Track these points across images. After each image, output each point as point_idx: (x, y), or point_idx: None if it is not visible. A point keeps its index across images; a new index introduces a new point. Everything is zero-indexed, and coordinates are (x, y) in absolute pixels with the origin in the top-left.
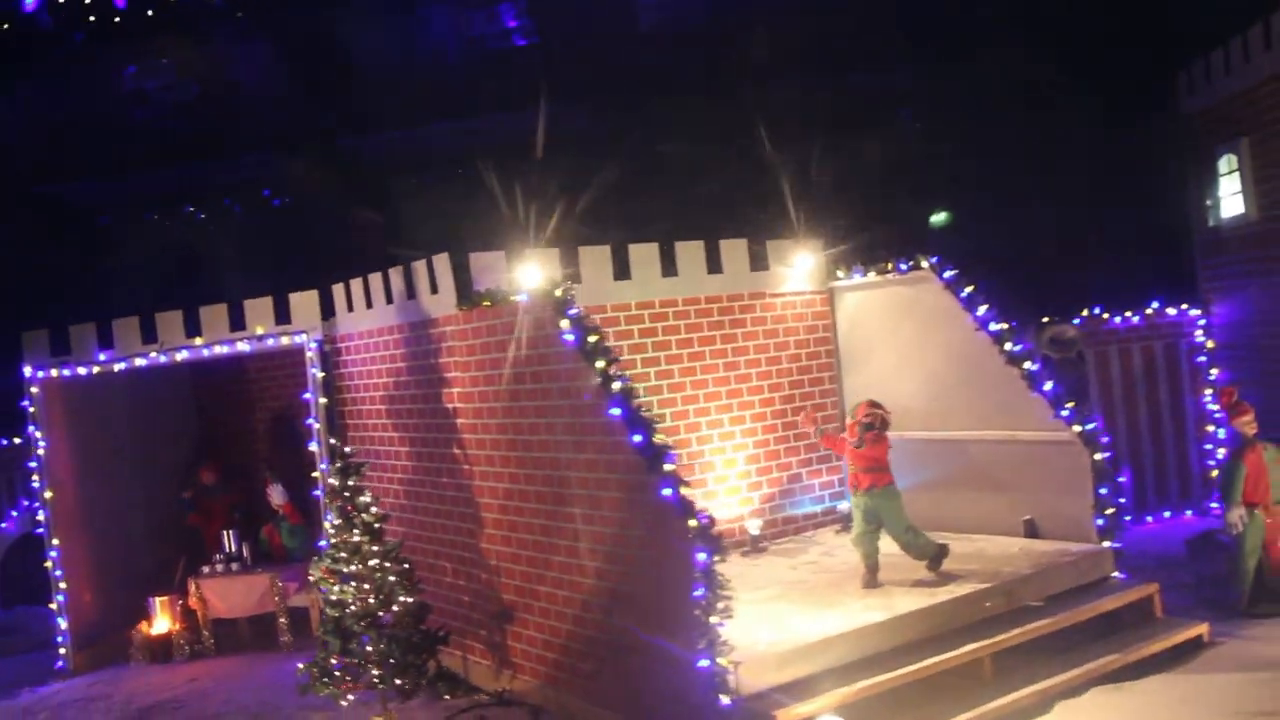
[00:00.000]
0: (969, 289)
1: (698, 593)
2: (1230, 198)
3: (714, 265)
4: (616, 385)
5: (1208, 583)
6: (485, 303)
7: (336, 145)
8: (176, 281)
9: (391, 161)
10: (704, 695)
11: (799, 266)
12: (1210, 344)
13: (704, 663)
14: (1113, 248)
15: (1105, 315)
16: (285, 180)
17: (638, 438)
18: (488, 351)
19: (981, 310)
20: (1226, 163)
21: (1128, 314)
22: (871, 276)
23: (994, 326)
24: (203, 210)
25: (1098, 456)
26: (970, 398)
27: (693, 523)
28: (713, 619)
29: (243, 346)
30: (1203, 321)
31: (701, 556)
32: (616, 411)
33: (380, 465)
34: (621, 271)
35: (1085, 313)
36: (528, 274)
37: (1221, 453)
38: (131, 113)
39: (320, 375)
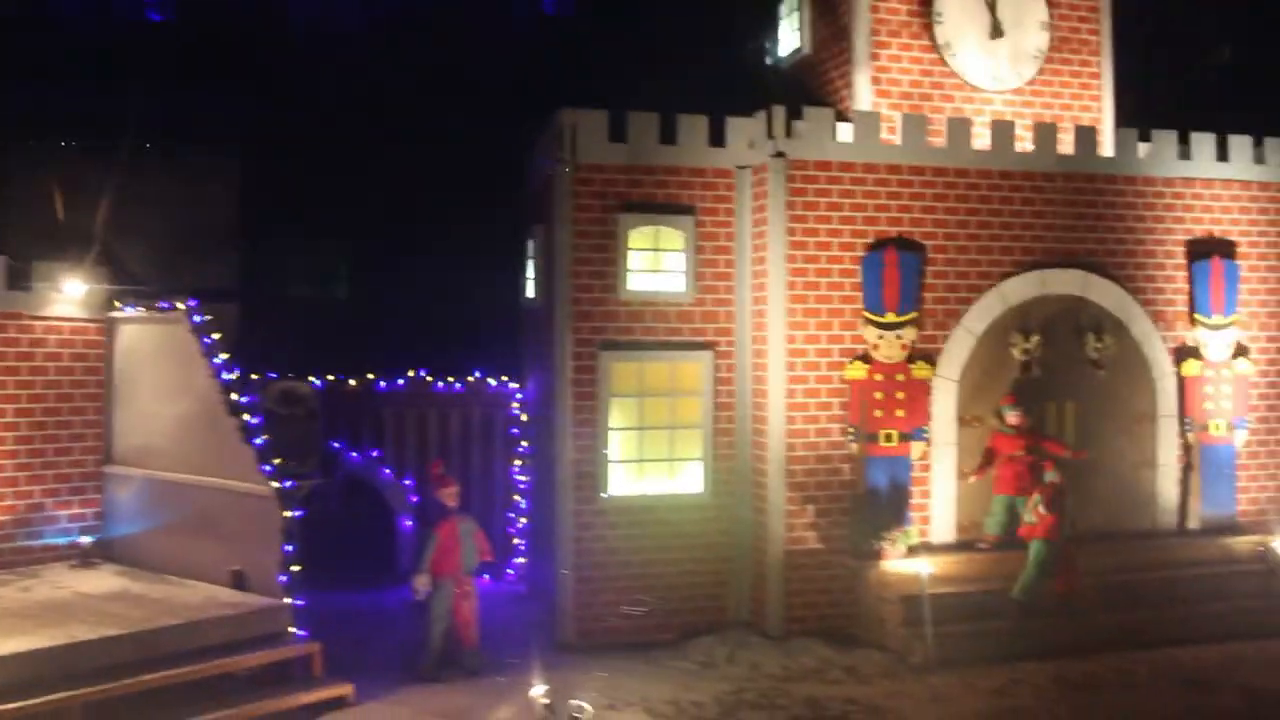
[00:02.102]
0: (215, 335)
1: None
2: (530, 281)
3: None
4: None
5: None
6: None
7: None
8: None
9: None
10: None
11: (69, 291)
12: (525, 416)
13: None
14: (461, 313)
15: (430, 378)
16: None
17: None
18: None
19: (221, 358)
20: (532, 247)
21: (451, 380)
22: (142, 311)
23: (225, 376)
24: None
25: (287, 514)
26: (205, 442)
27: None
28: None
29: None
30: (520, 394)
31: None
32: None
33: None
34: None
35: (411, 374)
36: None
37: (523, 521)
38: None
39: None
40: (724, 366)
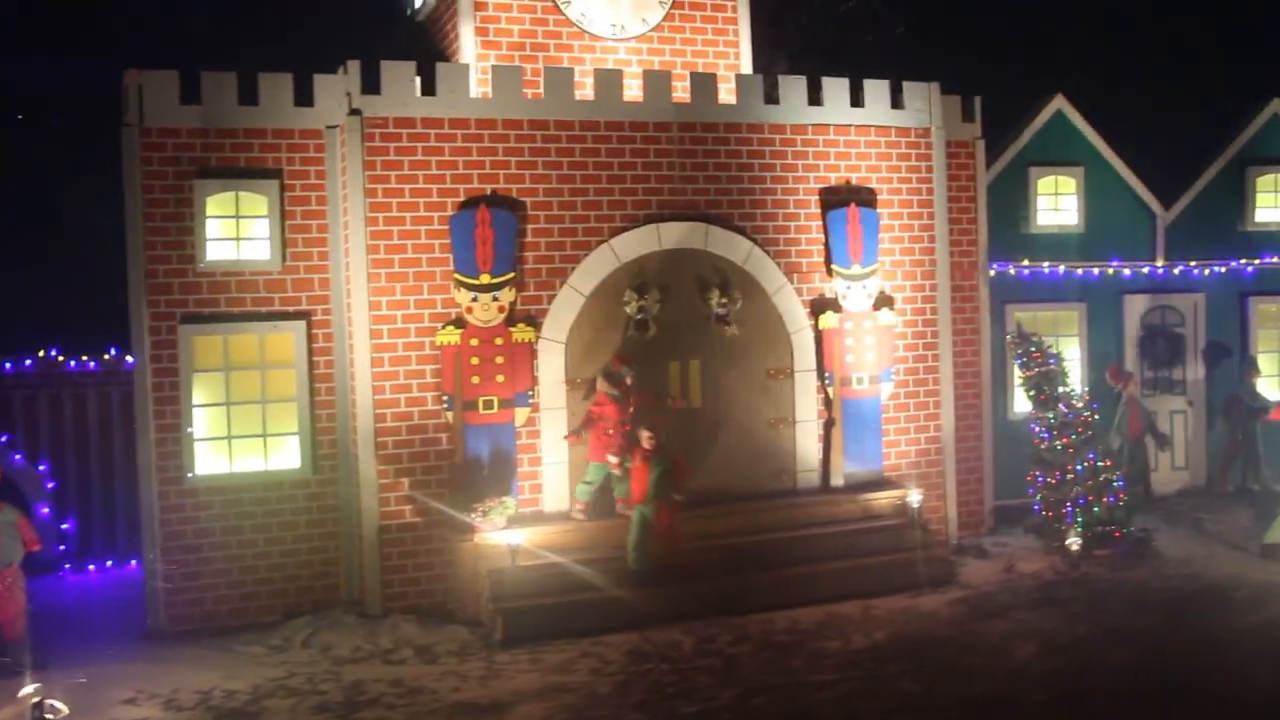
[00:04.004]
0: None
1: None
2: None
3: None
4: None
5: None
6: None
7: None
8: None
9: None
10: None
11: None
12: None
13: None
14: (79, 288)
15: (62, 358)
16: None
17: None
18: None
19: None
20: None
21: (85, 358)
22: None
23: None
24: None
25: None
26: None
27: None
28: None
29: None
30: None
31: None
32: None
33: None
34: None
35: (41, 353)
36: None
37: None
38: None
39: None
40: (321, 336)
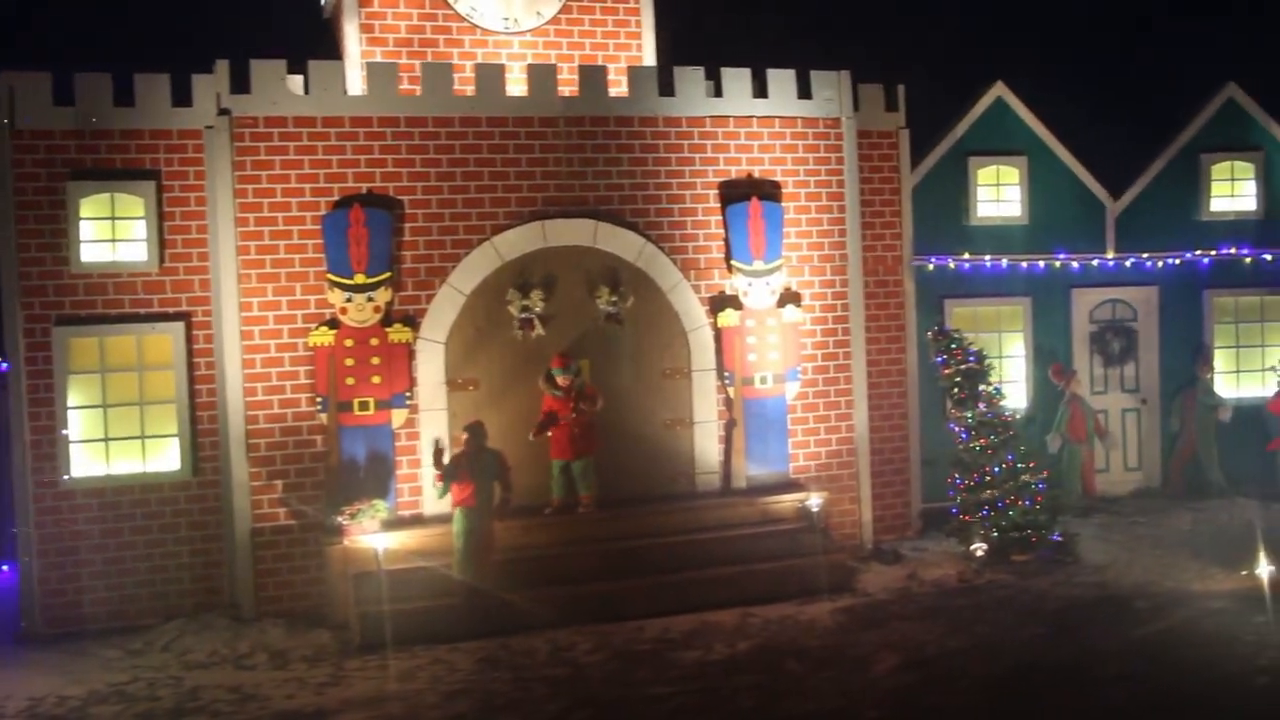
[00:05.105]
0: None
1: None
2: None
3: None
4: None
5: None
6: None
7: None
8: None
9: None
10: None
11: None
12: None
13: None
14: None
15: None
16: None
17: None
18: None
19: None
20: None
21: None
22: None
23: None
24: None
25: None
26: None
27: None
28: None
29: None
30: None
31: None
32: None
33: None
34: None
35: None
36: None
37: None
38: None
39: None
40: (202, 338)
